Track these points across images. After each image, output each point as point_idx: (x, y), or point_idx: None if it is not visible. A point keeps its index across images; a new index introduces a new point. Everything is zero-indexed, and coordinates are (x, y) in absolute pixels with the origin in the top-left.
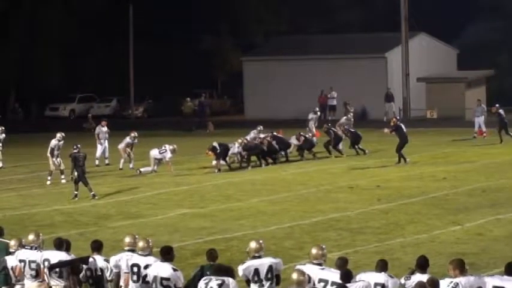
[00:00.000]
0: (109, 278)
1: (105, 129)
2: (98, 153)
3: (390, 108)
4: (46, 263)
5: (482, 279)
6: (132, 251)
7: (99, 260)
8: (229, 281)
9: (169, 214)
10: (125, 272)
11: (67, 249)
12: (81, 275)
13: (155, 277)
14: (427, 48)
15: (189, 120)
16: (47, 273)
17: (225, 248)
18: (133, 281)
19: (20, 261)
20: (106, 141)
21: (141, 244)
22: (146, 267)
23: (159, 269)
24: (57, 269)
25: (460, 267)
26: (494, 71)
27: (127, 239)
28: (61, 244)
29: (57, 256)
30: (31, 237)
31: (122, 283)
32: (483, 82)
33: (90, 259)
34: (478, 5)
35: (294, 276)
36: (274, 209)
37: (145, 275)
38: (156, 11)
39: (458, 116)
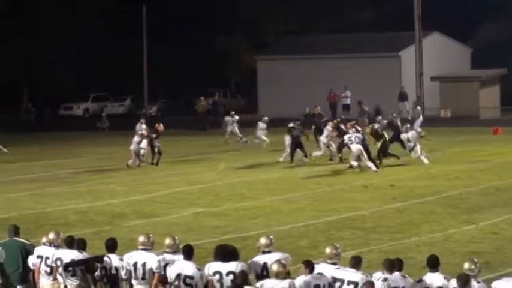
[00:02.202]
0: (124, 277)
1: (144, 126)
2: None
3: (404, 107)
4: (58, 262)
5: (407, 280)
6: (146, 250)
7: (114, 259)
8: (239, 267)
9: (183, 213)
10: (156, 272)
11: (82, 248)
12: (95, 274)
13: (179, 275)
14: (441, 47)
15: (203, 119)
16: (61, 272)
17: (240, 246)
18: None
19: (38, 257)
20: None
21: (167, 241)
22: (166, 264)
23: (184, 267)
24: (71, 268)
25: (387, 267)
26: (508, 69)
27: (141, 238)
28: (72, 242)
29: (69, 255)
30: (51, 235)
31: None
32: (497, 81)
33: (105, 258)
34: (492, 4)
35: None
36: (289, 208)
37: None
38: (169, 10)
39: (472, 114)
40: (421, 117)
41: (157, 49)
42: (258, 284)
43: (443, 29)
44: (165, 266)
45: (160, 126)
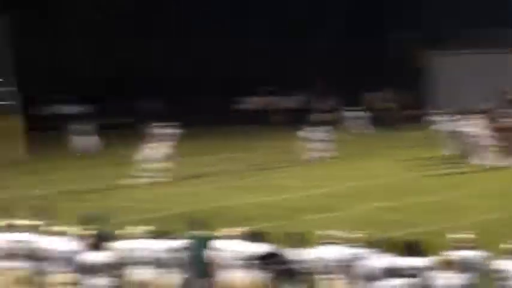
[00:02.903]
0: (302, 271)
1: None
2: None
3: None
4: (238, 255)
5: None
6: (332, 244)
7: (292, 253)
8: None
9: (361, 207)
10: (342, 265)
11: (259, 241)
12: (278, 268)
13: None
14: None
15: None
16: (242, 265)
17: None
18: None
19: (217, 250)
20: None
21: (353, 236)
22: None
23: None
24: (253, 261)
25: None
26: None
27: (328, 233)
28: (252, 236)
29: (249, 248)
30: (231, 230)
31: None
32: None
33: (284, 252)
34: None
35: None
36: (475, 203)
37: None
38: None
39: None
40: None
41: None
42: None
43: None
44: (351, 260)
45: None
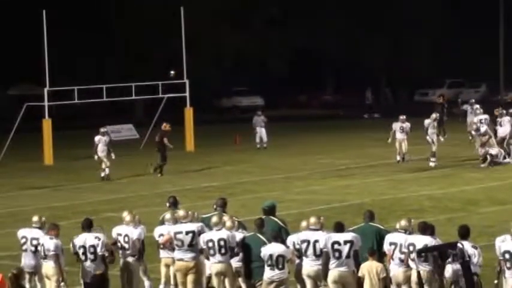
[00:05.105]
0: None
1: None
2: None
3: None
4: (411, 248)
5: None
6: None
7: (467, 246)
8: None
9: None
10: None
11: (432, 234)
12: (447, 261)
13: None
14: None
15: None
16: (414, 258)
17: None
18: None
19: (391, 244)
20: None
21: None
22: None
23: None
24: (423, 254)
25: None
26: None
27: None
28: (425, 229)
29: (422, 240)
30: (403, 222)
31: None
32: None
33: (458, 244)
34: None
35: None
36: None
37: None
38: None
39: None
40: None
41: None
42: None
43: None
44: None
45: None
